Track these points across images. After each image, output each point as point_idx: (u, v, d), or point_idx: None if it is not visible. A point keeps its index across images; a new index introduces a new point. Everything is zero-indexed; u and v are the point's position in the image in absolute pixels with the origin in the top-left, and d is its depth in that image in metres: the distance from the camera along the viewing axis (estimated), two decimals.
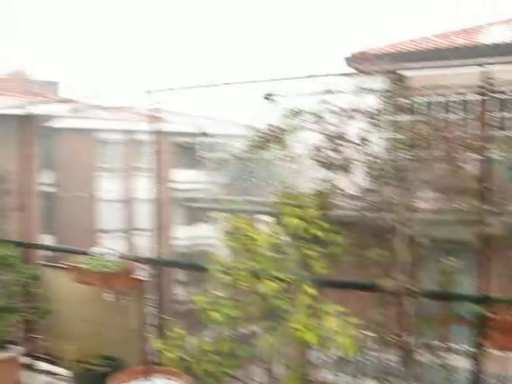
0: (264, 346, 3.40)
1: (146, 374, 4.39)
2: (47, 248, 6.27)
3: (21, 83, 26.58)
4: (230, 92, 4.21)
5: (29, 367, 5.75)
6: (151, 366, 4.51)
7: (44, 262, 5.87)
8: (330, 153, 3.59)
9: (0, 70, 28.38)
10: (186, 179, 24.48)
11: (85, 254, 5.11)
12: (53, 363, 5.63)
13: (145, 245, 5.13)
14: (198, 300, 3.54)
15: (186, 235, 22.67)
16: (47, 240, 22.75)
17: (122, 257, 4.83)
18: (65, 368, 4.99)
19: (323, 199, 3.60)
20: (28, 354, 5.73)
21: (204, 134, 17.11)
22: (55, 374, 5.54)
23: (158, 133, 4.89)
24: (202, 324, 3.67)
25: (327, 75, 3.69)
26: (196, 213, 21.20)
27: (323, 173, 3.65)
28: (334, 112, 3.60)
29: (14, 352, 5.33)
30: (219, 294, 3.59)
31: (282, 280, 3.38)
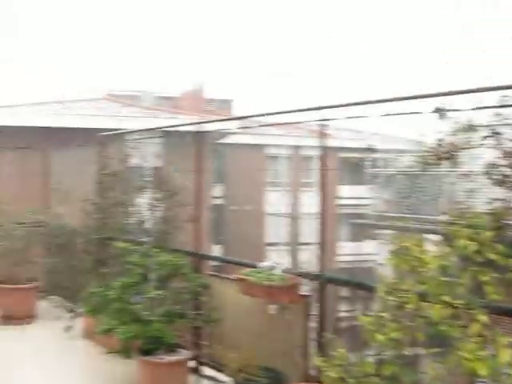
0: (429, 373, 3.24)
1: None
2: (217, 259, 6.54)
3: (197, 101, 28.27)
4: (398, 106, 4.09)
5: (195, 371, 6.03)
6: (312, 382, 4.50)
7: (212, 273, 6.13)
8: (508, 170, 3.34)
9: (178, 88, 30.44)
10: (351, 195, 24.36)
11: (252, 266, 5.25)
12: (217, 370, 5.85)
13: (310, 260, 5.14)
14: (363, 320, 3.46)
15: (350, 252, 22.51)
16: (216, 251, 23.87)
17: (288, 271, 4.88)
18: (227, 375, 5.15)
19: (498, 220, 3.35)
20: (194, 359, 6.01)
21: (371, 150, 16.88)
22: (218, 381, 5.75)
23: (325, 148, 4.89)
24: (363, 343, 3.59)
25: (506, 87, 3.44)
26: (361, 229, 20.98)
27: (499, 192, 3.41)
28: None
29: (183, 356, 5.61)
30: (383, 314, 3.48)
31: (451, 305, 3.20)
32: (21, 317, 8.04)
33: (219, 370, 5.74)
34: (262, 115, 6.06)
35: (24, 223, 8.50)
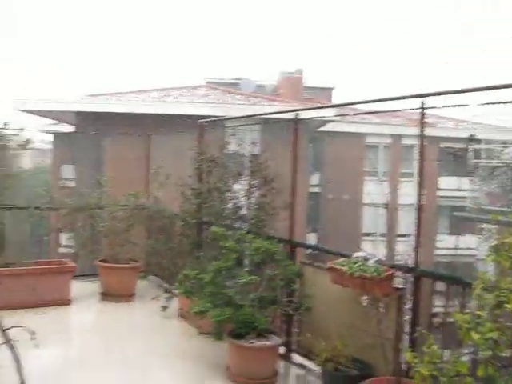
0: None
1: None
2: (311, 247, 6.55)
3: (296, 89, 28.22)
4: (502, 95, 3.90)
5: (284, 358, 6.09)
6: (402, 378, 4.42)
7: (305, 261, 6.13)
8: None
9: (277, 76, 30.48)
10: (452, 186, 23.54)
11: (346, 256, 5.21)
12: (306, 357, 5.87)
13: (406, 252, 5.04)
14: (458, 318, 3.35)
15: (448, 245, 21.79)
16: (311, 239, 23.87)
17: (382, 263, 4.81)
18: (316, 364, 5.15)
19: None
20: (284, 345, 6.06)
21: (473, 140, 16.20)
22: (307, 369, 5.77)
23: (426, 137, 4.75)
24: (458, 342, 3.47)
25: None
26: (461, 223, 20.26)
27: None
28: None
29: (274, 341, 5.67)
30: (480, 313, 3.36)
31: None
32: (121, 295, 8.42)
33: (308, 358, 5.76)
34: (360, 103, 5.97)
35: (126, 206, 8.87)
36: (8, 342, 2.63)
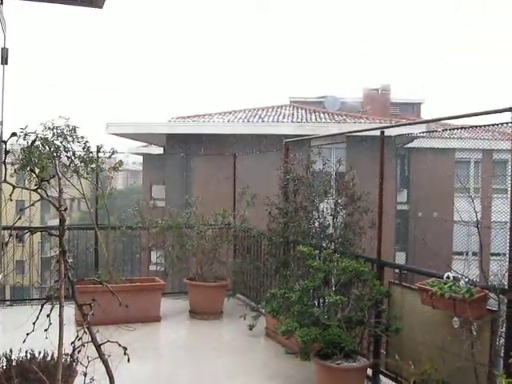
0: None
1: None
2: (399, 267, 6.41)
3: (382, 105, 27.87)
4: None
5: (372, 380, 5.97)
6: None
7: (394, 281, 6.01)
8: None
9: (363, 93, 30.25)
10: None
11: (436, 276, 5.07)
12: (393, 380, 5.73)
13: (499, 273, 4.84)
14: None
15: None
16: (400, 258, 23.31)
17: (474, 283, 4.64)
18: None
19: None
20: (371, 367, 5.95)
21: None
22: None
23: None
24: None
25: None
26: None
27: None
28: None
29: (361, 363, 5.58)
30: None
31: None
32: (209, 313, 8.56)
33: (396, 381, 5.62)
34: (449, 118, 5.83)
35: (214, 225, 9.04)
36: (101, 356, 2.74)
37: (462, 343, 4.63)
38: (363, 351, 5.90)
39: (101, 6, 5.01)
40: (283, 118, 20.67)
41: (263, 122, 19.72)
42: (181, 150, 17.77)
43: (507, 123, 4.64)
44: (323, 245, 6.68)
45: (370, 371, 5.93)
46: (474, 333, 4.61)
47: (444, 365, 4.80)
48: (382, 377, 5.98)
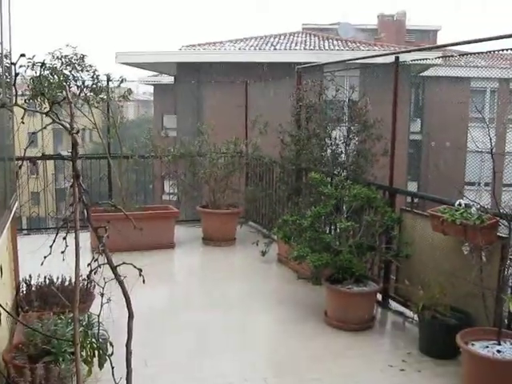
0: None
1: (498, 336, 4.22)
2: (410, 194, 6.40)
3: (398, 32, 27.18)
4: None
5: (381, 304, 6.09)
6: (503, 329, 4.30)
7: (406, 208, 6.03)
8: None
9: (378, 19, 29.48)
10: None
11: (448, 204, 5.08)
12: (403, 305, 5.85)
13: (511, 201, 4.83)
14: None
15: None
16: (412, 187, 23.31)
17: (486, 211, 4.64)
18: (413, 312, 5.12)
19: None
20: (381, 292, 6.06)
21: None
22: (404, 316, 5.74)
23: None
24: None
25: None
26: None
27: None
28: None
29: (371, 288, 5.68)
30: None
31: None
32: (222, 239, 8.68)
33: (406, 306, 5.73)
34: (464, 43, 5.67)
35: (226, 153, 9.03)
36: (117, 277, 2.80)
37: (472, 269, 4.69)
38: (374, 277, 5.99)
39: None
40: (296, 45, 20.24)
41: (275, 49, 19.33)
42: (192, 78, 17.54)
43: None
44: (335, 172, 6.68)
45: (379, 296, 6.05)
46: (484, 259, 4.65)
47: (453, 290, 4.88)
48: (391, 301, 6.11)
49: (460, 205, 4.88)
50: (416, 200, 6.27)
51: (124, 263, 2.83)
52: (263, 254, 7.80)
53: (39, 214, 10.44)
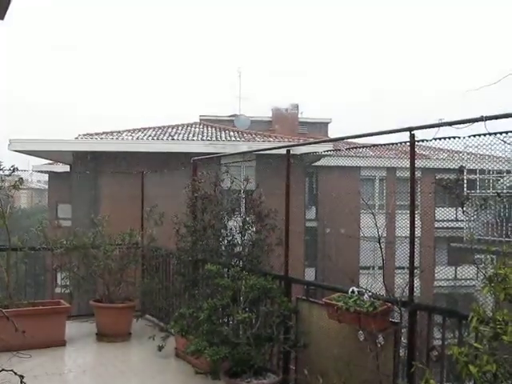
0: None
1: None
2: (305, 283, 6.50)
3: (290, 124, 28.45)
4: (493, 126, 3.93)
5: None
6: None
7: (302, 297, 6.08)
8: None
9: (272, 111, 30.80)
10: (447, 218, 23.52)
11: (342, 291, 5.17)
12: None
13: (402, 285, 5.00)
14: (455, 351, 3.30)
15: (446, 276, 21.66)
16: (310, 273, 23.72)
17: (378, 297, 4.77)
18: None
19: None
20: (282, 383, 5.97)
21: (463, 171, 16.17)
22: None
23: (420, 169, 4.77)
24: (456, 375, 3.42)
25: None
26: (459, 254, 20.18)
27: None
28: None
29: (271, 379, 5.58)
30: (477, 345, 3.31)
31: None
32: (117, 335, 8.32)
33: None
34: (353, 137, 6.02)
35: (121, 244, 8.83)
36: None
37: (368, 355, 4.74)
38: (273, 368, 5.91)
39: (2, 18, 4.79)
40: (193, 135, 20.64)
41: (173, 139, 19.59)
42: (88, 167, 17.32)
43: (405, 142, 4.85)
44: (232, 263, 6.68)
45: None
46: (379, 345, 4.73)
47: (351, 378, 4.89)
48: None
49: (353, 292, 4.99)
50: (313, 287, 6.37)
51: (3, 370, 2.62)
52: (160, 348, 7.51)
53: None
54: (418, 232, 4.86)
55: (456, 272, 21.15)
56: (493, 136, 4.13)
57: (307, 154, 6.80)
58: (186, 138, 20.08)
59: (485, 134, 3.99)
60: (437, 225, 22.85)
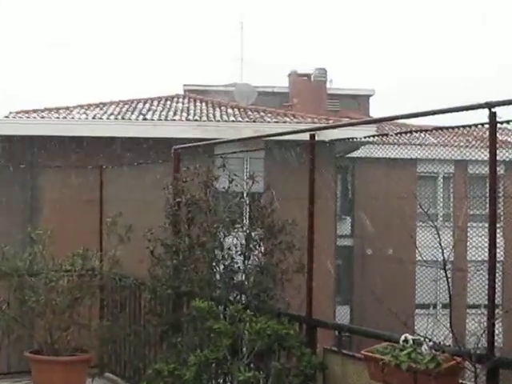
0: None
1: None
2: (338, 328, 6.49)
3: (315, 97, 28.34)
4: None
5: None
6: None
7: (332, 348, 6.08)
8: None
9: (289, 81, 30.76)
10: None
11: (390, 340, 5.17)
12: None
13: (478, 332, 4.99)
14: None
15: None
16: (342, 314, 23.70)
17: (443, 349, 4.76)
18: None
19: None
20: None
21: None
22: None
23: (504, 164, 4.77)
24: None
25: None
26: None
27: None
28: None
29: None
30: None
31: None
32: None
33: None
34: (407, 117, 6.01)
35: (71, 270, 8.84)
36: None
37: None
38: None
39: None
40: (174, 114, 20.62)
41: (145, 119, 19.59)
42: (22, 160, 17.36)
43: (483, 124, 4.83)
44: (230, 298, 6.69)
45: None
46: None
47: None
48: None
49: (406, 341, 4.98)
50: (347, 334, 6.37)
51: None
52: None
53: None
54: (500, 254, 4.86)
55: None
56: None
57: (340, 140, 6.79)
58: (164, 117, 20.06)
59: None
60: None
